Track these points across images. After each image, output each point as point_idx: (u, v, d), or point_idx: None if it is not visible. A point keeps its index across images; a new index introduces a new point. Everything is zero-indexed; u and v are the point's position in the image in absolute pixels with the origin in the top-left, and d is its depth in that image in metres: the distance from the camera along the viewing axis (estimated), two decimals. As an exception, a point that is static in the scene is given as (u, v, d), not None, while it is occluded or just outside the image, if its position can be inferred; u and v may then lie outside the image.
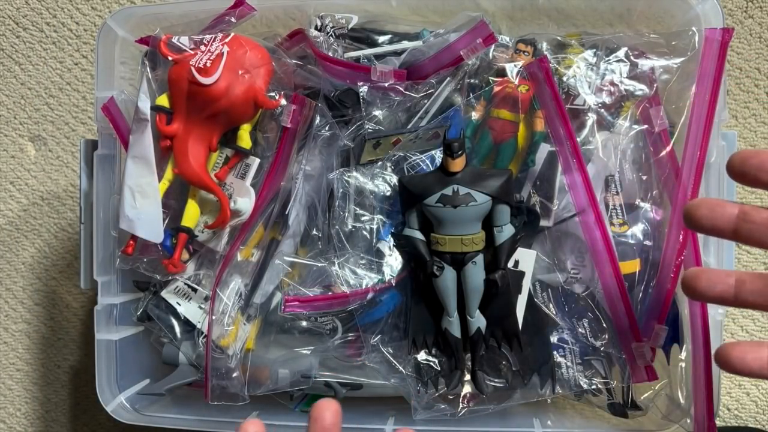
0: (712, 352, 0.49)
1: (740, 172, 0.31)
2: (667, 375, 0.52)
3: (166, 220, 0.53)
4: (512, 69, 0.51)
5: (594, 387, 0.52)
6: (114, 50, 0.56)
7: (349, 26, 0.54)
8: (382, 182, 0.53)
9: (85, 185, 0.57)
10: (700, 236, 0.50)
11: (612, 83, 0.51)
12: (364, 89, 0.51)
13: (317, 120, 0.52)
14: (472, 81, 0.53)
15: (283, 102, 0.51)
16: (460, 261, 0.49)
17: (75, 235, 0.74)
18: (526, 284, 0.51)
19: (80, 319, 0.74)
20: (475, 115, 0.52)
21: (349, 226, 0.52)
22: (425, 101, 0.52)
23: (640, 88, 0.51)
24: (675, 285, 0.50)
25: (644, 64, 0.51)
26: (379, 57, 0.53)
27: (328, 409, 0.33)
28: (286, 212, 0.53)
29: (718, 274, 0.33)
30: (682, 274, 0.34)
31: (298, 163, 0.53)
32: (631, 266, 0.51)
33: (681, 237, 0.49)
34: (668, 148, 0.51)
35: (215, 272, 0.53)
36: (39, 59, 0.73)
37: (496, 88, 0.51)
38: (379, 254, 0.52)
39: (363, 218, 0.53)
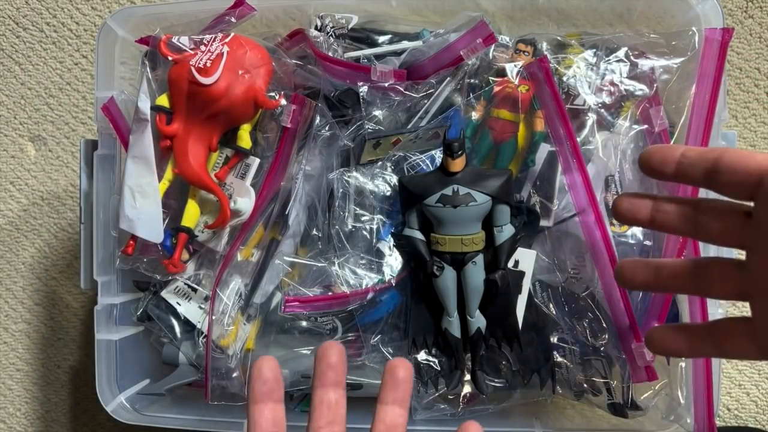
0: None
1: (646, 166, 0.35)
2: (667, 375, 0.52)
3: (166, 220, 0.53)
4: (512, 69, 0.51)
5: (594, 387, 0.52)
6: (114, 50, 0.56)
7: (349, 26, 0.54)
8: (382, 182, 0.53)
9: (85, 185, 0.57)
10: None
11: (612, 83, 0.51)
12: (364, 89, 0.51)
13: (317, 120, 0.52)
14: (472, 81, 0.53)
15: (283, 102, 0.51)
16: (460, 261, 0.49)
17: (75, 235, 0.74)
18: (526, 284, 0.51)
19: (80, 319, 0.74)
20: (475, 115, 0.52)
21: (349, 226, 0.52)
22: (425, 101, 0.52)
23: (640, 88, 0.51)
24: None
25: (644, 64, 0.51)
26: (379, 57, 0.53)
27: (332, 348, 0.37)
28: (286, 212, 0.53)
29: (640, 265, 0.37)
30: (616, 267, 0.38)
31: (298, 163, 0.53)
32: (630, 266, 0.51)
33: (681, 237, 0.49)
34: (668, 148, 0.51)
35: (215, 272, 0.53)
36: (39, 59, 0.73)
37: (496, 88, 0.51)
38: (379, 254, 0.52)
39: (363, 218, 0.53)
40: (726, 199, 0.33)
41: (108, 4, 0.72)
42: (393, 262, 0.52)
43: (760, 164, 0.30)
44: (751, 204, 0.31)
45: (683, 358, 0.51)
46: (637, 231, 0.51)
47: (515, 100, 0.51)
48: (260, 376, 0.36)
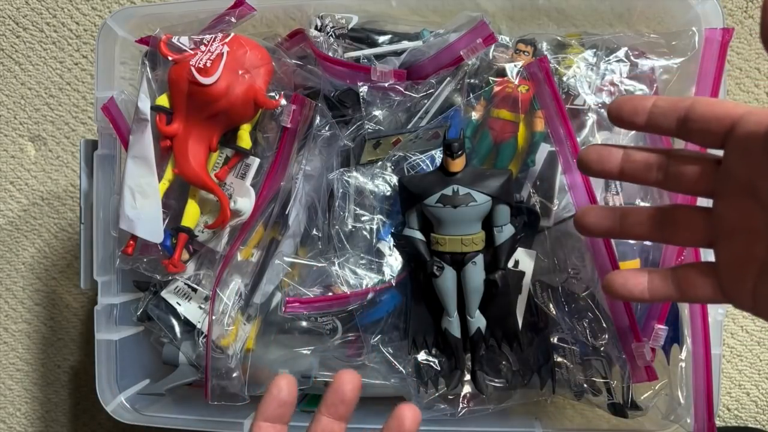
0: (712, 352, 0.49)
1: (617, 116, 0.35)
2: (667, 375, 0.52)
3: (166, 220, 0.53)
4: (512, 69, 0.51)
5: (594, 387, 0.52)
6: (114, 50, 0.56)
7: (349, 26, 0.54)
8: (382, 182, 0.53)
9: (85, 185, 0.57)
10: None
11: (612, 83, 0.51)
12: (364, 89, 0.51)
13: (317, 120, 0.52)
14: (472, 81, 0.53)
15: (283, 102, 0.51)
16: (460, 261, 0.49)
17: (75, 235, 0.74)
18: (526, 284, 0.51)
19: (80, 319, 0.74)
20: (475, 115, 0.52)
21: (349, 226, 0.52)
22: (425, 101, 0.52)
23: (640, 88, 0.51)
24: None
25: (644, 64, 0.51)
26: (379, 57, 0.53)
27: (349, 378, 0.34)
28: (286, 212, 0.53)
29: (604, 211, 0.38)
30: (575, 216, 0.39)
31: (298, 163, 0.53)
32: (631, 266, 0.51)
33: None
34: (668, 148, 0.51)
35: (215, 272, 0.53)
36: (39, 59, 0.74)
37: (496, 88, 0.51)
38: (379, 254, 0.52)
39: (363, 218, 0.53)
40: (696, 149, 0.34)
41: (108, 4, 0.72)
42: (393, 262, 0.52)
43: (731, 111, 0.31)
44: (721, 153, 0.32)
45: (683, 358, 0.51)
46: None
47: (515, 100, 0.51)
48: (279, 396, 0.34)
